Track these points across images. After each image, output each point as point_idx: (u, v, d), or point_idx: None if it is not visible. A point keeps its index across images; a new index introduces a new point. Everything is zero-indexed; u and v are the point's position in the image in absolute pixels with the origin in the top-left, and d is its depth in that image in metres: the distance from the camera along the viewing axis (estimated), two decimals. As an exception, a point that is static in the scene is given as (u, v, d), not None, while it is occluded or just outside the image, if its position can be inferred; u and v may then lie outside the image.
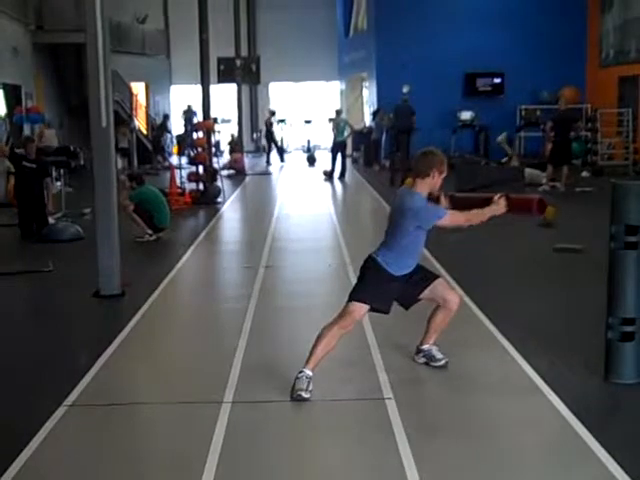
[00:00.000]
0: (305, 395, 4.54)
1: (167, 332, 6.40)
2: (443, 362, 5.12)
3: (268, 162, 24.97)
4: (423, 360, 5.18)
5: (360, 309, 4.75)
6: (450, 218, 4.83)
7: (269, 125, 25.65)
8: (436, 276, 5.08)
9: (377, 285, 4.78)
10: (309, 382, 4.58)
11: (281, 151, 26.16)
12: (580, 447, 3.93)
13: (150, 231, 10.53)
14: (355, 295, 4.77)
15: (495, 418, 4.39)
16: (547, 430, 4.24)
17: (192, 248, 10.03)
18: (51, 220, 11.59)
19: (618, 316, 4.72)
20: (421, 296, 4.96)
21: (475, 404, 4.57)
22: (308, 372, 4.61)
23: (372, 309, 4.83)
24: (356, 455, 3.95)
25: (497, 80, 23.39)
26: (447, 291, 5.05)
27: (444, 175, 4.81)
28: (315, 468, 3.84)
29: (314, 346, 4.68)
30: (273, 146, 25.85)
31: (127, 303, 7.17)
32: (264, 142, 27.32)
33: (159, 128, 26.51)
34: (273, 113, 26.35)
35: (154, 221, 10.58)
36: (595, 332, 5.10)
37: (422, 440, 4.01)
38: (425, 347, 5.15)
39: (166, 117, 27.41)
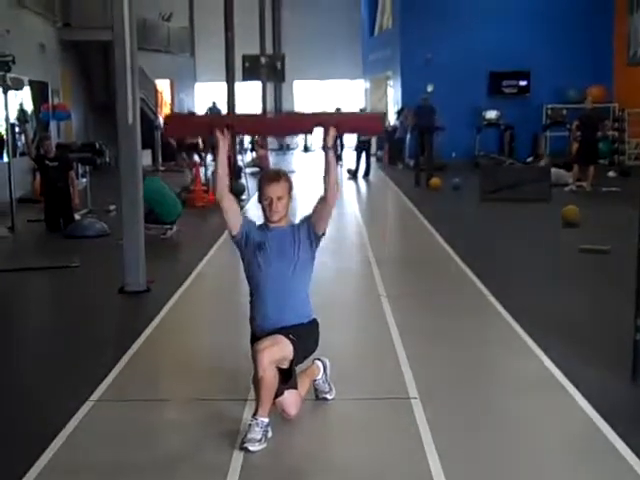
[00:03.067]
0: (329, 397, 4.53)
1: (192, 329, 6.42)
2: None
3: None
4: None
5: None
6: None
7: None
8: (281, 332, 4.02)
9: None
10: (328, 382, 4.54)
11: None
12: (607, 448, 3.89)
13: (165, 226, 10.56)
14: None
15: (521, 417, 4.36)
16: (574, 431, 4.21)
17: (216, 245, 10.05)
18: (77, 216, 11.69)
19: (646, 318, 4.67)
20: None
21: (500, 402, 4.55)
22: (319, 375, 4.52)
23: None
24: (381, 456, 3.94)
25: (523, 82, 23.22)
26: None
27: (265, 196, 4.04)
28: (339, 468, 3.83)
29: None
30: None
31: (152, 299, 7.20)
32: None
33: None
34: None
35: (156, 216, 10.42)
36: (623, 333, 5.06)
37: (448, 440, 3.99)
38: (257, 418, 3.97)
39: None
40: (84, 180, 13.98)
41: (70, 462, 3.87)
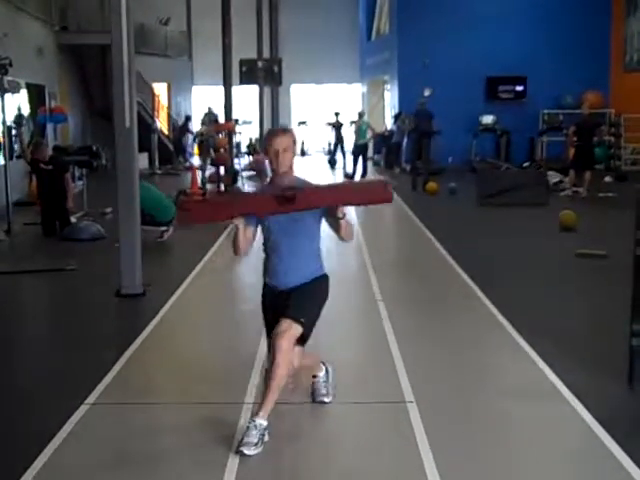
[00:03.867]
0: (326, 400, 4.53)
1: (188, 332, 6.41)
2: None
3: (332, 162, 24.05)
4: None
5: None
6: None
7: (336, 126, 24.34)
8: (294, 318, 4.04)
9: (264, 312, 4.29)
10: (326, 385, 4.55)
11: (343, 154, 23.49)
12: (604, 455, 3.89)
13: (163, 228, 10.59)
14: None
15: (517, 422, 4.36)
16: (570, 437, 4.21)
17: (213, 249, 10.05)
18: (73, 219, 11.68)
19: (643, 323, 4.67)
20: None
21: (496, 408, 4.55)
22: (320, 374, 4.54)
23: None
24: (377, 460, 3.94)
25: (519, 88, 23.28)
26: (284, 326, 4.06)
27: (273, 149, 4.10)
28: (334, 471, 3.83)
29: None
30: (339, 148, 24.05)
31: (148, 303, 7.20)
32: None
33: (180, 129, 26.60)
34: (337, 114, 25.37)
35: (156, 220, 10.43)
36: (619, 339, 5.06)
37: (443, 445, 3.98)
38: (256, 420, 3.98)
39: (188, 118, 27.50)
40: (81, 183, 13.98)
41: (66, 464, 3.86)
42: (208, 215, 4.15)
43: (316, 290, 4.20)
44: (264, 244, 4.26)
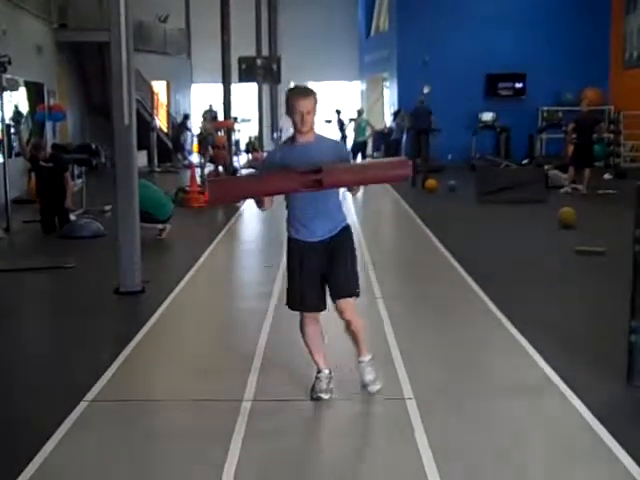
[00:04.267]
0: (324, 396, 4.53)
1: (187, 330, 6.41)
2: (373, 388, 4.61)
3: None
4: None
5: (301, 314, 4.47)
6: None
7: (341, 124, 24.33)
8: (352, 294, 4.40)
9: (296, 273, 4.37)
10: (329, 381, 4.57)
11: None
12: (603, 450, 3.89)
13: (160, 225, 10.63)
14: (286, 301, 4.51)
15: (515, 418, 4.36)
16: (569, 432, 4.20)
17: (212, 246, 10.05)
18: (72, 217, 11.68)
19: (641, 319, 4.68)
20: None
21: (494, 404, 4.55)
22: (325, 371, 4.59)
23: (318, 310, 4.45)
24: (376, 456, 3.94)
25: (519, 85, 23.29)
26: (345, 305, 4.42)
27: (296, 109, 4.17)
28: (334, 468, 3.83)
29: (308, 348, 4.59)
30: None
31: (147, 300, 7.20)
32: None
33: (179, 127, 26.59)
34: (339, 112, 25.28)
35: (154, 217, 10.40)
36: (618, 335, 5.06)
37: (442, 441, 3.99)
38: (363, 359, 4.61)
39: (186, 117, 27.49)
40: (80, 181, 13.97)
41: (65, 462, 3.86)
42: (236, 194, 4.16)
43: (347, 247, 4.41)
44: (286, 199, 4.37)
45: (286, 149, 4.40)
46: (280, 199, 4.38)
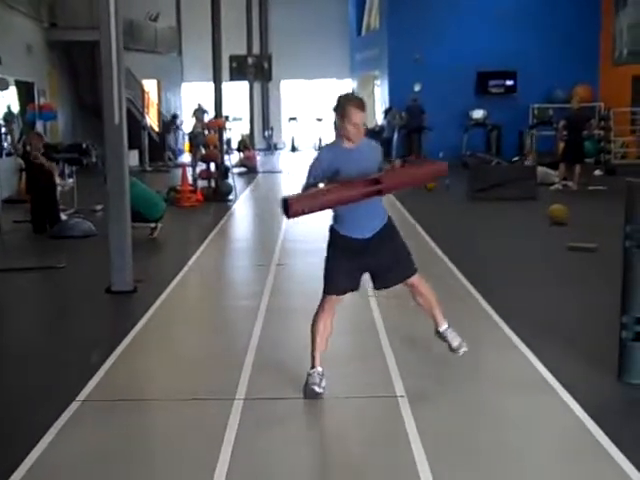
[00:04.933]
0: (318, 390, 4.54)
1: (179, 329, 6.40)
2: (461, 351, 4.92)
3: None
4: (445, 343, 5.01)
5: (331, 298, 4.62)
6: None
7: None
8: (411, 274, 4.77)
9: (337, 260, 4.57)
10: (321, 378, 4.58)
11: None
12: (593, 446, 3.91)
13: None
14: (324, 282, 4.64)
15: (508, 416, 4.38)
16: (560, 428, 4.22)
17: (204, 246, 10.04)
18: (63, 216, 11.65)
19: (632, 315, 4.69)
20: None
21: (488, 402, 4.56)
22: (319, 369, 4.61)
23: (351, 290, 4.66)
24: (368, 453, 3.94)
25: (510, 82, 23.33)
26: (411, 282, 4.81)
27: (351, 121, 4.35)
28: (327, 466, 3.83)
29: (312, 343, 4.66)
30: None
31: (139, 299, 7.18)
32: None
33: (165, 126, 26.50)
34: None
35: (145, 216, 10.33)
36: (609, 331, 5.08)
37: (434, 439, 3.99)
38: (441, 329, 4.94)
39: (174, 117, 27.41)
40: (71, 180, 13.93)
41: (57, 462, 3.86)
42: (312, 207, 4.39)
43: (396, 236, 4.74)
44: None
45: (332, 154, 4.53)
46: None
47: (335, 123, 4.58)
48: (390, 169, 4.49)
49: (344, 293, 4.65)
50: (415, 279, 4.78)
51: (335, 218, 4.62)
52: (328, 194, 4.43)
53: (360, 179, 4.34)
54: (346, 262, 4.56)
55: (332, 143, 4.62)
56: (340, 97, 4.52)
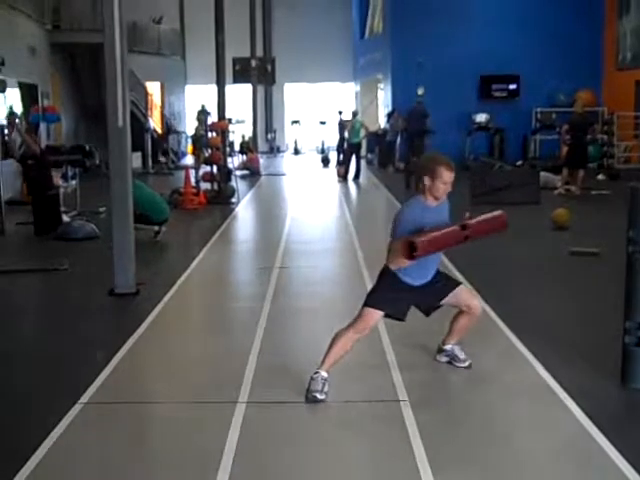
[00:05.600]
0: (320, 397, 4.54)
1: (182, 331, 6.41)
2: (467, 363, 5.14)
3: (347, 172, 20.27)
4: (445, 359, 5.22)
5: (373, 314, 4.72)
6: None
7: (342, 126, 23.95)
8: (458, 283, 5.07)
9: (392, 292, 4.75)
10: (324, 383, 4.58)
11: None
12: (596, 451, 3.90)
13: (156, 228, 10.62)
14: (369, 300, 4.76)
15: (511, 421, 4.37)
16: (563, 434, 4.21)
17: (206, 248, 10.05)
18: (66, 218, 11.65)
19: (635, 320, 4.68)
20: (443, 302, 4.95)
21: (490, 407, 4.55)
22: (323, 373, 4.61)
23: (387, 315, 4.82)
24: (370, 458, 3.94)
25: (513, 86, 23.34)
26: (471, 298, 5.07)
27: (443, 180, 4.62)
28: (329, 470, 3.83)
29: (329, 348, 4.68)
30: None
31: (142, 302, 7.18)
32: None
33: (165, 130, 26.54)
34: (341, 112, 25.11)
35: (149, 219, 10.47)
36: (612, 336, 5.07)
37: (437, 444, 3.99)
38: (448, 347, 5.19)
39: (168, 128, 27.42)
40: (74, 182, 13.95)
41: (60, 463, 3.86)
42: (436, 248, 4.62)
43: (446, 278, 5.08)
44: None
45: (419, 212, 4.67)
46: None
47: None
48: (468, 218, 4.66)
49: (383, 313, 4.76)
50: (466, 290, 5.16)
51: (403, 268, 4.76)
52: (444, 237, 4.60)
53: (449, 226, 4.60)
54: (394, 298, 4.75)
55: (416, 200, 4.75)
56: (428, 158, 4.89)
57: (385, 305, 4.74)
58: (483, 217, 4.82)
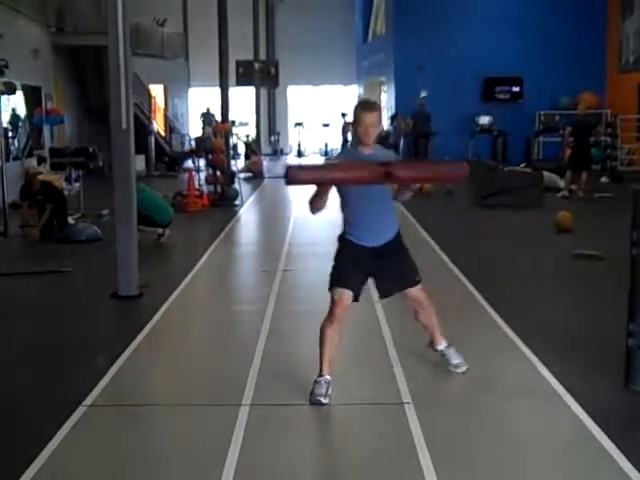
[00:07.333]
0: (324, 400, 4.53)
1: (185, 334, 6.41)
2: (459, 370, 5.06)
3: None
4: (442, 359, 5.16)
5: (341, 294, 4.56)
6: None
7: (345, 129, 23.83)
8: (416, 282, 4.79)
9: (347, 262, 4.61)
10: (328, 387, 4.57)
11: None
12: (600, 454, 3.89)
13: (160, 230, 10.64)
14: (330, 281, 4.65)
15: (514, 423, 4.37)
16: (566, 436, 4.21)
17: (210, 250, 10.05)
18: (70, 220, 11.66)
19: (639, 323, 4.67)
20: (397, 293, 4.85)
21: (493, 409, 4.55)
22: (327, 377, 4.60)
23: (355, 297, 4.62)
24: (374, 460, 3.94)
25: (516, 89, 23.35)
26: (416, 294, 4.83)
27: (364, 123, 4.42)
28: (333, 472, 3.83)
29: (320, 348, 4.64)
30: None
31: (145, 304, 7.19)
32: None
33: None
34: (345, 115, 24.96)
35: (154, 221, 10.49)
36: (615, 339, 5.06)
37: (441, 446, 3.99)
38: (440, 348, 5.10)
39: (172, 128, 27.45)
40: (77, 185, 13.96)
41: (63, 467, 3.86)
42: (314, 178, 4.35)
43: (403, 247, 4.77)
44: (342, 205, 4.65)
45: (351, 154, 4.65)
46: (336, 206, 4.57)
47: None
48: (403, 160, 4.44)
49: (353, 290, 4.59)
50: (417, 291, 4.81)
51: (345, 226, 4.69)
52: (333, 169, 4.46)
53: (370, 162, 4.31)
54: (352, 269, 4.60)
55: (348, 148, 4.70)
56: (355, 105, 4.66)
57: (344, 279, 4.57)
58: (432, 163, 4.68)
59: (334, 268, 4.69)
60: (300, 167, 4.34)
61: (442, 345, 5.06)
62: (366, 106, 4.59)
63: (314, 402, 4.53)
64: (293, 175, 4.21)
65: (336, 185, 4.44)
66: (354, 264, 4.61)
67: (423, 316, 4.94)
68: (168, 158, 24.36)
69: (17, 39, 17.12)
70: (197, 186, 15.20)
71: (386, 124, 25.02)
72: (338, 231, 4.82)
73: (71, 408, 4.52)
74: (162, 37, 28.33)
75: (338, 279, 4.62)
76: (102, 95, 19.58)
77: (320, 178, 4.32)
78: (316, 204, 4.47)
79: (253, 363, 5.31)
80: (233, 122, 21.42)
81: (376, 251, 4.62)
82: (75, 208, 12.84)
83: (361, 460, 3.94)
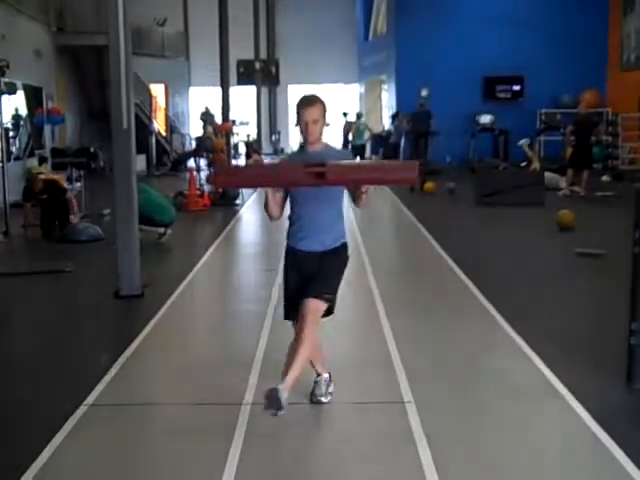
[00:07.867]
0: (324, 400, 4.53)
1: (186, 333, 6.41)
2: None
3: None
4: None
5: (293, 326, 4.30)
6: None
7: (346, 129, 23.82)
8: (317, 295, 4.17)
9: (288, 279, 4.35)
10: (328, 385, 4.57)
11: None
12: (602, 453, 3.89)
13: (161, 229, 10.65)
14: (283, 309, 4.41)
15: (516, 422, 4.36)
16: (568, 434, 4.20)
17: (211, 250, 10.05)
18: (72, 218, 11.66)
19: (641, 322, 4.68)
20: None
21: (495, 408, 4.55)
22: (325, 375, 4.59)
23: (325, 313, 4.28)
24: (375, 459, 3.93)
25: (517, 87, 23.35)
26: (307, 303, 4.16)
27: (304, 119, 4.12)
28: (334, 472, 3.82)
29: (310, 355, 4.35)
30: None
31: (147, 304, 7.19)
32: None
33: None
34: (346, 114, 24.90)
35: (155, 221, 10.52)
36: (617, 338, 5.06)
37: (442, 444, 3.98)
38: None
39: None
40: (78, 184, 13.97)
41: (65, 465, 3.86)
42: (243, 181, 4.18)
43: (336, 261, 4.28)
44: (290, 204, 4.32)
45: (295, 156, 4.43)
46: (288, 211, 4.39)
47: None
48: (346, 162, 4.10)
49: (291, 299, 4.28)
50: (312, 303, 4.12)
51: (288, 232, 4.36)
52: (265, 171, 4.21)
53: (304, 162, 3.95)
54: (296, 291, 4.24)
55: (298, 147, 4.40)
56: None
57: (292, 309, 4.27)
58: (380, 164, 4.39)
59: (284, 290, 4.39)
60: (228, 170, 4.20)
61: (282, 385, 3.98)
62: (304, 101, 4.19)
63: (315, 402, 4.53)
64: (218, 180, 4.06)
65: (267, 187, 4.18)
66: (296, 280, 4.27)
67: (292, 347, 4.14)
68: (173, 158, 24.40)
69: (18, 39, 17.14)
70: (198, 185, 15.20)
71: (387, 123, 25.03)
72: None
73: (73, 407, 4.52)
74: (162, 37, 28.33)
75: (287, 312, 4.35)
76: (103, 95, 19.61)
77: (247, 182, 4.15)
78: (266, 208, 4.27)
79: (254, 362, 5.30)
80: (234, 121, 21.43)
81: (318, 257, 4.24)
82: (77, 208, 12.82)
83: (363, 459, 3.93)
